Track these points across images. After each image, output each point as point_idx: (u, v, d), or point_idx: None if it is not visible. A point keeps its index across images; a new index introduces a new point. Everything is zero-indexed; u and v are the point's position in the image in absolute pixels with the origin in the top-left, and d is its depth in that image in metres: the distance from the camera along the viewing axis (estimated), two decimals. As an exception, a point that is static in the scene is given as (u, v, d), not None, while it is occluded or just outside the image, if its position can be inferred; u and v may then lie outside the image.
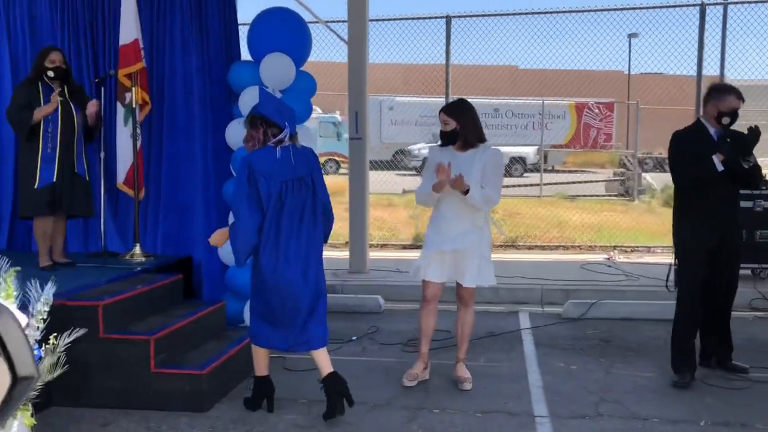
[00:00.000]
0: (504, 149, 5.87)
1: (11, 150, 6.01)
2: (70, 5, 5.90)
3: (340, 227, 7.52)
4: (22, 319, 1.61)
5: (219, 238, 3.99)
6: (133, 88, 5.37)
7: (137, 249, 5.50)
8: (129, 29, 5.32)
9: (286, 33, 5.44)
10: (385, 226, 10.67)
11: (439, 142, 4.58)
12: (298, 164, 3.80)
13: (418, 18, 9.63)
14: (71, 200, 5.10)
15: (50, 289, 3.32)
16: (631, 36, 28.08)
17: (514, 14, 10.73)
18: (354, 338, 5.55)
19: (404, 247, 9.42)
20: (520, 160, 24.00)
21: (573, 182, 19.93)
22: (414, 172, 19.63)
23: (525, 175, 23.05)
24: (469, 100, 4.65)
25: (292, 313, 3.78)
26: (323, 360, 3.87)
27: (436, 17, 9.35)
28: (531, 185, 17.93)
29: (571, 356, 5.10)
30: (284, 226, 3.73)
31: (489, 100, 23.62)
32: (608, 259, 8.37)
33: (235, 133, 5.32)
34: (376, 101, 22.14)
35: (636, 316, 6.14)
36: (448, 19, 9.09)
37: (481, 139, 4.50)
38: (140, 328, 4.19)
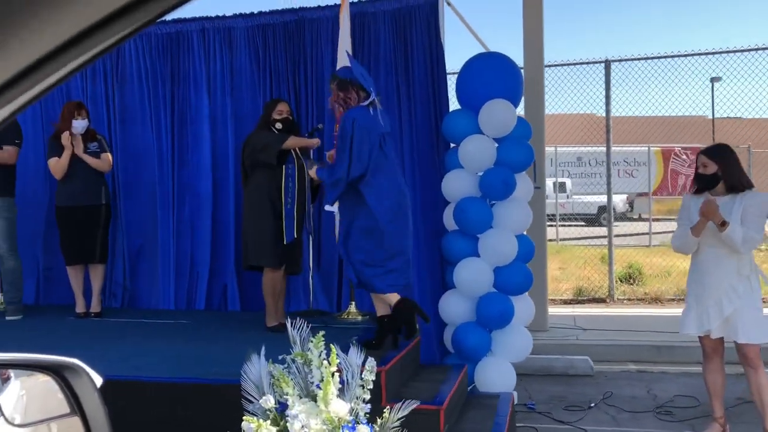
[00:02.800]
0: (590, 198, 5.58)
1: (209, 204, 5.94)
2: (272, 59, 5.86)
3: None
4: (98, 380, 1.47)
5: None
6: (348, 141, 5.22)
7: (352, 307, 5.27)
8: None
9: (502, 78, 5.24)
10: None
11: (694, 188, 4.30)
12: (385, 123, 4.13)
13: (581, 63, 9.43)
14: (298, 258, 4.94)
15: (363, 356, 3.09)
16: (713, 80, 27.61)
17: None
18: (592, 404, 5.12)
19: (566, 302, 8.99)
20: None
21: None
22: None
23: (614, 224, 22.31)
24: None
25: (404, 254, 4.07)
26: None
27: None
28: (631, 234, 17.28)
29: None
30: (388, 173, 4.02)
31: (570, 148, 23.24)
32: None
33: (453, 186, 5.10)
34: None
35: None
36: (607, 64, 8.89)
37: (747, 183, 4.18)
38: (419, 395, 3.88)
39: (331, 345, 2.95)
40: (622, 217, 21.47)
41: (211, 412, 3.27)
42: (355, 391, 2.95)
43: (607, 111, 9.03)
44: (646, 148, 26.02)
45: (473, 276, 4.90)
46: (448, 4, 5.89)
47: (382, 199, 3.97)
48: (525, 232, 5.29)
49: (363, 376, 2.93)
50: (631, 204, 23.40)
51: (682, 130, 24.83)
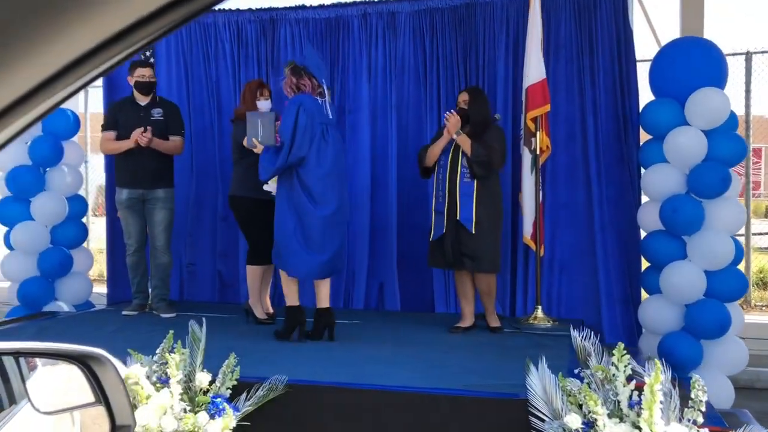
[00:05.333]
0: None
1: (366, 198, 5.64)
2: (440, 45, 5.51)
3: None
4: (122, 370, 1.62)
5: None
6: (537, 133, 4.86)
7: (539, 312, 4.90)
8: (537, 68, 4.84)
9: (709, 65, 4.80)
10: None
11: None
12: (331, 114, 4.26)
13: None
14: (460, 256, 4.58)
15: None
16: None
17: None
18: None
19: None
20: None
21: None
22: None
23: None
24: None
25: (329, 242, 4.16)
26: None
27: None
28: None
29: None
30: (326, 162, 4.12)
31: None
32: None
33: (657, 182, 4.68)
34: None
35: None
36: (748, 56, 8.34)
37: None
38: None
39: (654, 360, 2.59)
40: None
41: (483, 427, 2.93)
42: (679, 412, 2.57)
43: (747, 107, 8.48)
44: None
45: (684, 281, 4.48)
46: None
47: (317, 186, 4.11)
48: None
49: (692, 395, 2.56)
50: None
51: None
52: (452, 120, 4.40)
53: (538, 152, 4.85)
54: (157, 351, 3.18)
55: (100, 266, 7.47)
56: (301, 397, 3.07)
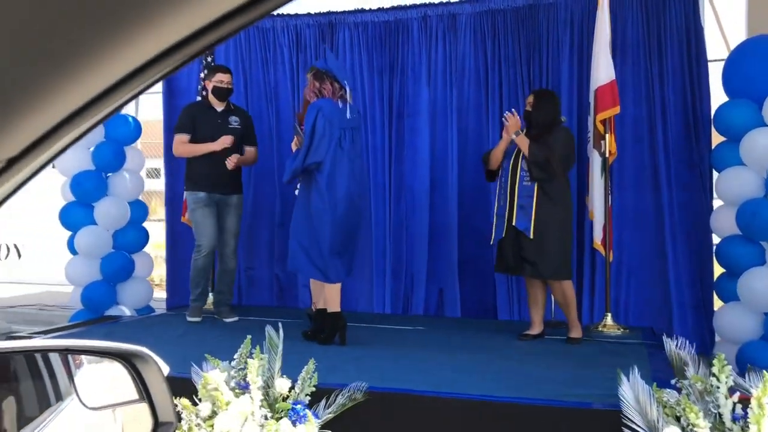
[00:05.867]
0: None
1: (425, 203, 5.58)
2: (502, 46, 5.43)
3: None
4: (165, 368, 1.43)
5: None
6: (607, 135, 4.74)
7: (609, 319, 4.76)
8: (606, 69, 4.72)
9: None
10: None
11: None
12: (352, 118, 4.27)
13: None
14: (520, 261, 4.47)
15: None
16: None
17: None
18: None
19: None
20: None
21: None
22: None
23: None
24: None
25: (349, 245, 4.26)
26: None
27: None
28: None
29: None
30: (342, 169, 4.15)
31: None
32: None
33: (733, 185, 4.52)
34: None
35: None
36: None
37: None
38: None
39: (763, 371, 2.47)
40: None
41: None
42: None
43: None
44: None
45: (763, 288, 4.31)
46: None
47: (334, 191, 4.14)
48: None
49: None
50: None
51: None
52: (511, 120, 4.31)
53: (607, 155, 4.74)
54: (235, 356, 3.16)
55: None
56: (382, 405, 3.00)
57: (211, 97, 5.02)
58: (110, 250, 5.66)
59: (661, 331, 4.81)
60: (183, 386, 3.04)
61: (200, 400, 3.05)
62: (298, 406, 2.99)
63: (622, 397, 2.70)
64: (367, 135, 5.75)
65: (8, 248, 11.00)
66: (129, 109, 6.16)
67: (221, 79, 4.97)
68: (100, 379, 1.62)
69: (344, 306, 5.05)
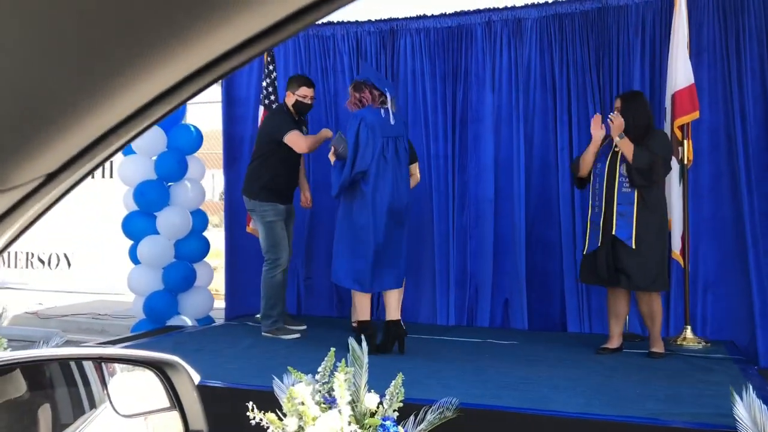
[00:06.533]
0: None
1: (490, 212, 5.44)
2: (570, 51, 5.28)
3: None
4: (196, 377, 1.43)
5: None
6: (685, 141, 4.57)
7: (689, 332, 4.58)
8: (684, 72, 4.56)
9: None
10: None
11: None
12: (396, 124, 4.26)
13: None
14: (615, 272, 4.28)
15: None
16: None
17: None
18: None
19: None
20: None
21: None
22: None
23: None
24: None
25: (393, 257, 4.23)
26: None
27: None
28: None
29: None
30: (387, 177, 4.15)
31: None
32: None
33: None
34: None
35: None
36: None
37: None
38: None
39: None
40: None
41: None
42: None
43: None
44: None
45: None
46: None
47: (376, 201, 4.15)
48: None
49: None
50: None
51: None
52: (617, 122, 4.08)
53: (686, 162, 4.57)
54: (319, 369, 3.07)
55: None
56: (477, 423, 2.88)
57: (290, 109, 4.87)
58: (172, 259, 5.64)
59: (743, 345, 4.64)
60: (261, 398, 2.95)
61: (284, 414, 2.97)
62: (388, 422, 2.88)
63: (738, 418, 2.54)
64: (430, 142, 5.65)
65: (58, 258, 11.15)
66: (192, 120, 6.15)
67: (305, 94, 4.83)
68: (133, 388, 1.65)
69: (406, 317, 4.98)
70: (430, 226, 5.64)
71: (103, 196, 9.93)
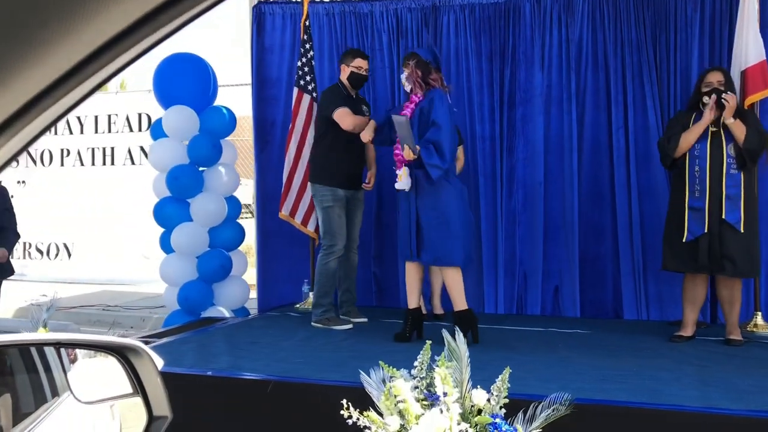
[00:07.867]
0: None
1: (540, 196, 5.23)
2: (625, 28, 5.07)
3: None
4: (159, 363, 1.40)
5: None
6: (755, 120, 4.38)
7: (759, 318, 4.42)
8: (755, 47, 4.37)
9: None
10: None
11: None
12: (455, 113, 4.27)
13: None
14: (720, 259, 4.10)
15: None
16: None
17: None
18: None
19: None
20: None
21: None
22: None
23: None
24: None
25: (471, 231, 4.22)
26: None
27: None
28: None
29: None
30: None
31: None
32: None
33: None
34: None
35: None
36: None
37: None
38: None
39: None
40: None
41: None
42: None
43: None
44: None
45: None
46: None
47: (456, 179, 4.21)
48: None
49: None
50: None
51: None
52: (732, 102, 3.83)
53: (756, 143, 4.38)
54: (415, 364, 2.85)
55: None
56: (593, 420, 2.68)
57: (345, 82, 4.66)
58: (206, 248, 5.38)
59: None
60: (338, 395, 2.70)
61: (380, 412, 2.75)
62: (498, 420, 2.68)
63: None
64: (475, 124, 5.42)
65: (57, 248, 10.82)
66: (223, 101, 5.87)
67: (360, 65, 4.62)
68: (95, 374, 1.62)
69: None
70: (476, 211, 5.41)
71: (105, 185, 9.64)
